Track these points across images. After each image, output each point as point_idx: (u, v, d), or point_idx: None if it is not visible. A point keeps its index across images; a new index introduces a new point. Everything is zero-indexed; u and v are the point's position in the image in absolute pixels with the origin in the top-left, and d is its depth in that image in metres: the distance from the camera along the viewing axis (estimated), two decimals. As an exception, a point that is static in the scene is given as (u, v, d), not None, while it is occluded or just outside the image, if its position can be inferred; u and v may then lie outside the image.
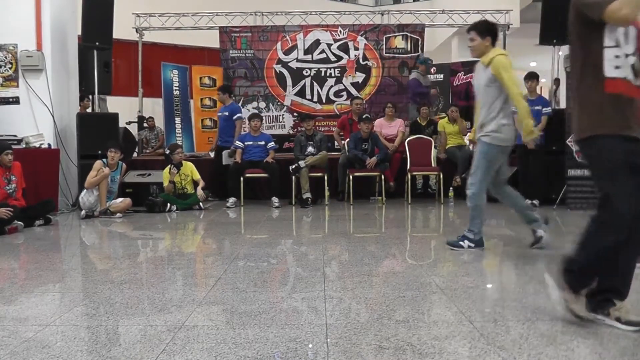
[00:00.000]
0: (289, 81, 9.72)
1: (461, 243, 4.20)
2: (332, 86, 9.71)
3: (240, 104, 9.78)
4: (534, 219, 4.22)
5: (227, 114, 7.74)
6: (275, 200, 7.07)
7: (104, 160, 6.45)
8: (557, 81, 8.82)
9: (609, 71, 2.31)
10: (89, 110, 8.53)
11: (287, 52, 9.72)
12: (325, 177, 7.31)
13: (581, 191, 6.56)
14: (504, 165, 4.18)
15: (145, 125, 9.98)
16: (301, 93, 9.71)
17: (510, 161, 7.48)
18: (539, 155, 6.76)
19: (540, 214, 4.28)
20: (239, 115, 7.88)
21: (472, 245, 4.17)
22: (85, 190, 6.32)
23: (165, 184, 6.93)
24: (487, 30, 4.03)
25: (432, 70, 9.82)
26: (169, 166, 6.97)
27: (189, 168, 7.07)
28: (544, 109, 6.75)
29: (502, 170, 4.16)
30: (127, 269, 3.68)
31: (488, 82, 3.97)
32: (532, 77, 6.86)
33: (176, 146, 7.24)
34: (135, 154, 9.29)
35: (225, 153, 7.55)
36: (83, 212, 6.22)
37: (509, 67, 3.91)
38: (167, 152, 7.47)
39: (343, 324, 2.45)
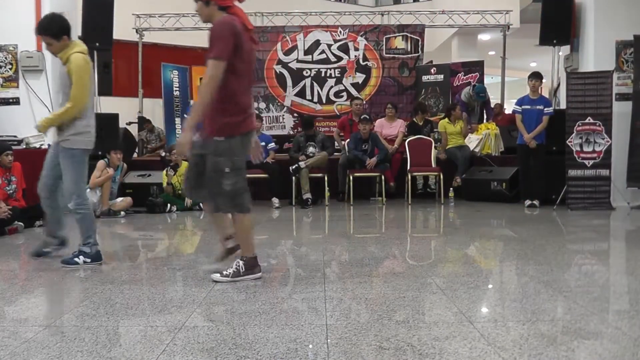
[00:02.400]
0: (289, 82, 9.72)
1: (76, 260, 3.72)
2: (332, 87, 9.70)
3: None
4: (57, 237, 3.97)
5: None
6: (275, 200, 7.07)
7: (106, 160, 6.45)
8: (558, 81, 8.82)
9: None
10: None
11: (287, 53, 9.72)
12: (326, 178, 7.30)
13: (581, 191, 6.56)
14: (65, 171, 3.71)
15: (144, 127, 9.97)
16: (301, 93, 9.71)
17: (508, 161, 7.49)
18: (539, 155, 6.76)
19: (60, 238, 4.01)
20: None
21: (89, 260, 3.73)
22: (87, 190, 6.31)
23: (164, 185, 6.94)
24: (60, 30, 3.65)
25: (432, 70, 9.83)
26: (166, 168, 6.99)
27: None
28: (545, 109, 6.74)
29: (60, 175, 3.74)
30: (127, 269, 3.68)
31: (65, 81, 3.70)
32: (535, 76, 6.85)
33: (173, 147, 7.24)
34: (135, 154, 9.29)
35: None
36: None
37: (84, 68, 3.63)
38: (163, 154, 7.46)
39: (343, 324, 2.45)
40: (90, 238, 3.77)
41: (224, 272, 3.25)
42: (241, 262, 3.25)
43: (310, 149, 7.40)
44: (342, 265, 3.79)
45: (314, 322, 2.49)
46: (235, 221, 3.26)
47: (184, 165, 7.06)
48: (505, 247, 4.47)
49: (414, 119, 8.14)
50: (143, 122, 9.90)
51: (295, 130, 9.39)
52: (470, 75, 9.67)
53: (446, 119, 7.93)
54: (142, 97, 10.02)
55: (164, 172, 7.00)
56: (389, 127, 8.00)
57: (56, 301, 2.97)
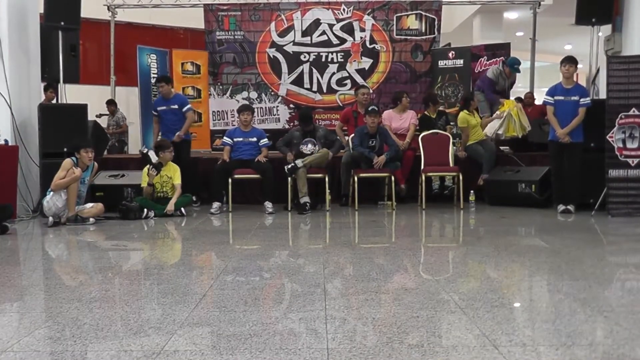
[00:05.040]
0: (285, 68, 9.74)
1: None
2: (334, 73, 9.73)
3: (228, 94, 9.83)
4: None
5: (176, 106, 7.72)
6: (268, 205, 7.07)
7: (74, 158, 6.45)
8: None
9: None
10: (54, 102, 8.54)
11: (282, 34, 9.75)
12: (326, 179, 7.31)
13: (624, 195, 6.55)
14: None
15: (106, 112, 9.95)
16: (298, 81, 9.74)
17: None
18: (575, 153, 6.75)
19: None
20: (189, 106, 7.91)
21: None
22: (51, 193, 6.32)
23: (144, 185, 6.93)
24: None
25: (450, 54, 9.83)
26: (148, 166, 6.96)
27: (173, 170, 7.05)
28: (581, 100, 6.71)
29: None
30: (97, 285, 3.68)
31: None
32: (568, 61, 6.80)
33: (165, 144, 7.12)
34: (106, 152, 9.31)
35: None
36: (50, 219, 6.21)
37: None
38: (145, 150, 7.44)
39: (347, 348, 2.45)
40: None
41: None
42: None
43: (309, 147, 7.38)
44: (346, 279, 3.80)
45: (313, 345, 2.49)
46: None
47: (169, 166, 7.06)
48: (535, 259, 4.47)
49: (426, 112, 8.14)
50: (109, 105, 9.88)
51: (292, 124, 9.41)
52: (494, 60, 9.69)
53: (465, 111, 7.92)
54: (115, 84, 10.04)
55: (145, 169, 6.98)
56: (399, 120, 7.96)
57: (14, 322, 2.97)
